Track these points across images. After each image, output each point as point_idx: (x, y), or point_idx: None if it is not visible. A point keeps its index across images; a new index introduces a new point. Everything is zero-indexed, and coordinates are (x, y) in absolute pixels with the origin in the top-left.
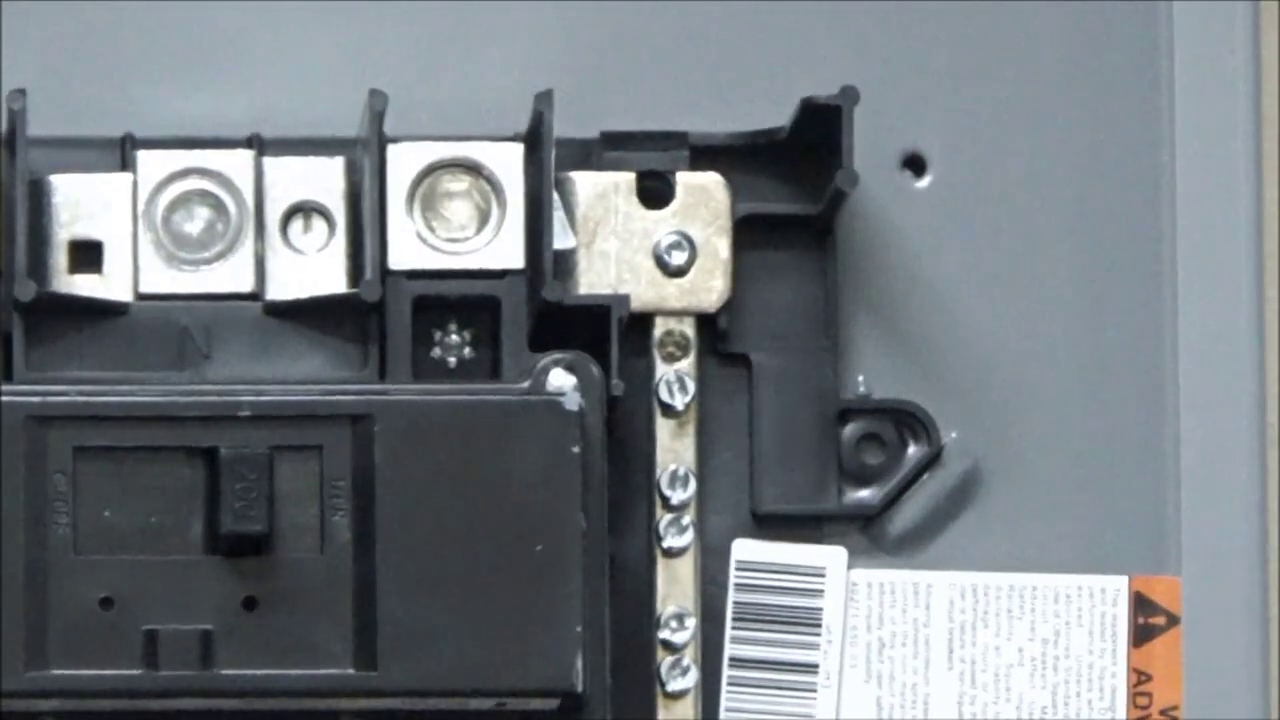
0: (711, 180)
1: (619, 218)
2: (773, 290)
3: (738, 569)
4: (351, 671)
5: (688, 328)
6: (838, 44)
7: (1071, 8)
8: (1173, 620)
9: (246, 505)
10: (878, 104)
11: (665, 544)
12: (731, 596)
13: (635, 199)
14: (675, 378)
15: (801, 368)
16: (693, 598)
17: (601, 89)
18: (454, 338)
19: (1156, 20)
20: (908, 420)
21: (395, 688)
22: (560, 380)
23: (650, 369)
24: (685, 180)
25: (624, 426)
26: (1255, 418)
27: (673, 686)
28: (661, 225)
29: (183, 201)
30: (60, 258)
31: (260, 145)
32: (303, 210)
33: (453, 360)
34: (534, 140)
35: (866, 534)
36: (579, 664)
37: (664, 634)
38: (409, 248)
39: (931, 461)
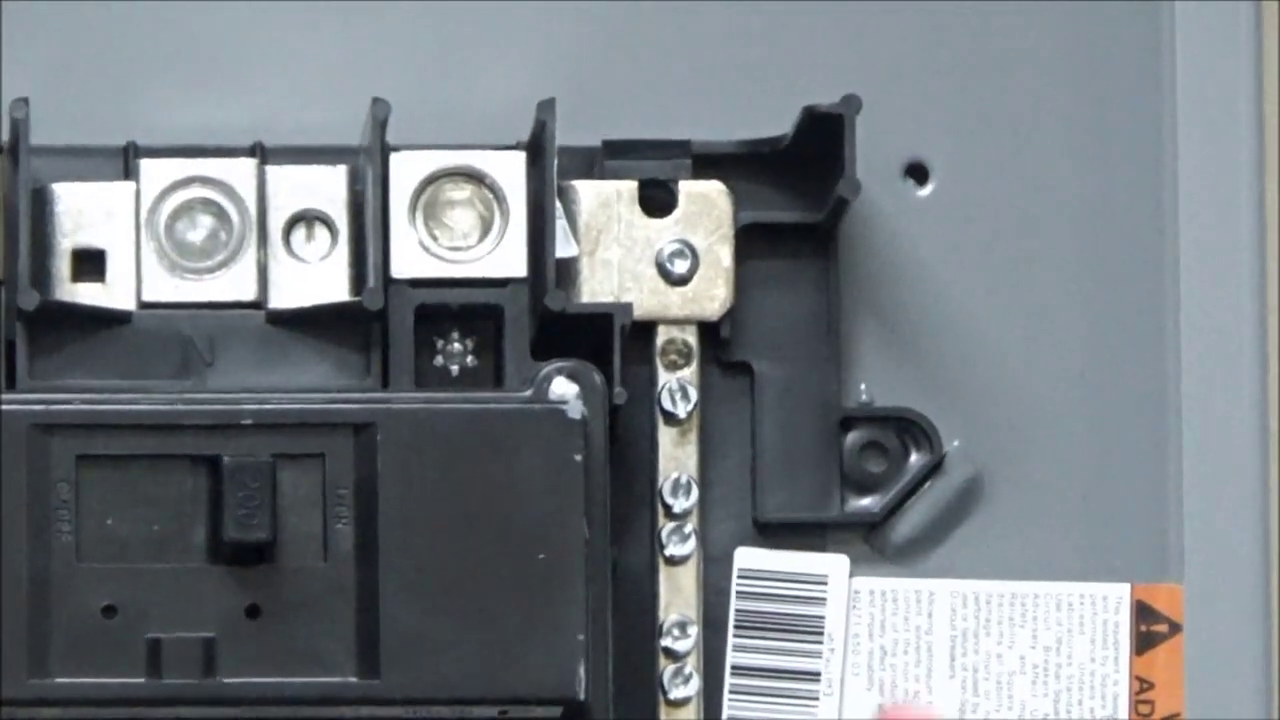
0: (714, 189)
1: (621, 226)
2: (775, 299)
3: (740, 577)
4: (354, 680)
5: (690, 336)
6: (840, 52)
7: (1074, 15)
8: (1175, 628)
9: (249, 514)
10: (880, 112)
11: (668, 552)
12: (734, 604)
13: (638, 207)
14: (677, 386)
15: (804, 376)
16: (695, 606)
17: (604, 97)
18: (456, 346)
19: (1158, 28)
20: (910, 428)
21: (398, 696)
22: (563, 389)
23: (653, 377)
24: (688, 189)
25: (626, 435)
26: (1258, 425)
27: (675, 694)
28: (664, 234)
29: (185, 210)
30: (63, 266)
31: (263, 154)
32: (305, 219)
33: (455, 368)
34: (536, 149)
35: (869, 542)
36: (582, 672)
37: (666, 642)
38: (412, 256)
39: (934, 470)
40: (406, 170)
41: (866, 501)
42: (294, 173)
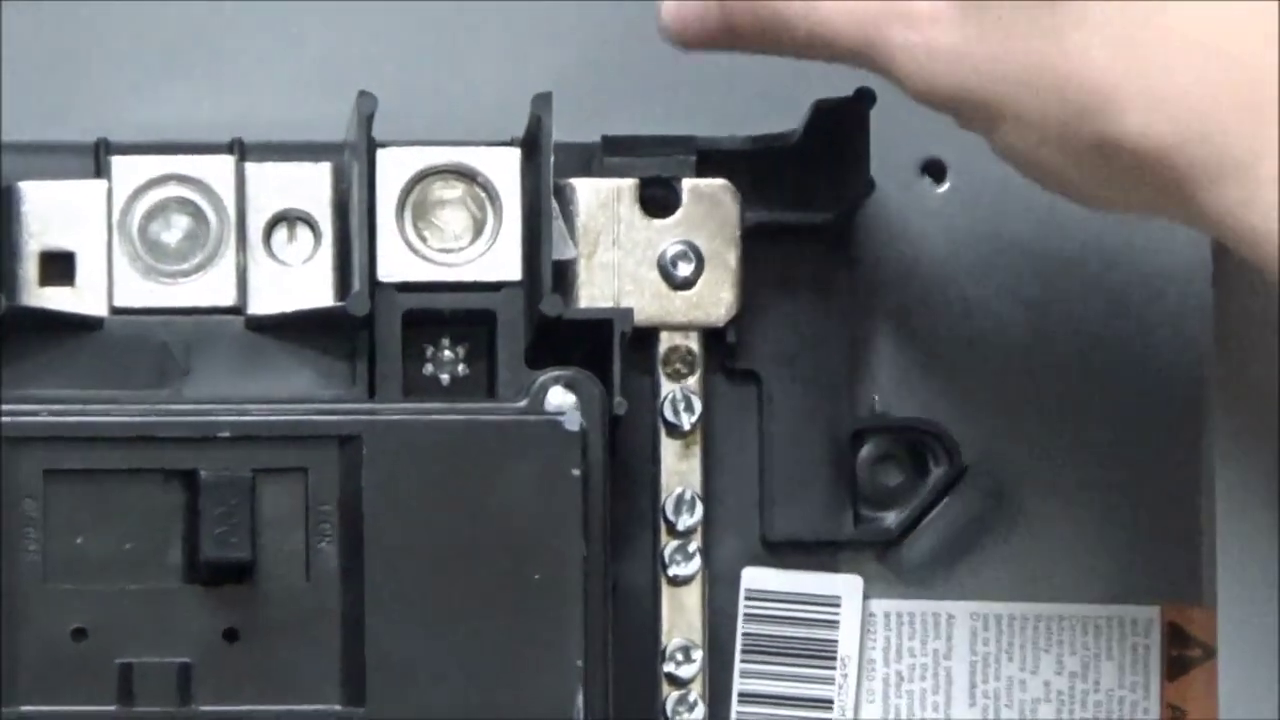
0: (719, 187)
1: (621, 227)
2: (784, 303)
3: (747, 598)
4: (338, 707)
5: (694, 343)
6: None
7: None
8: (1208, 653)
9: (228, 531)
10: (894, 106)
11: (671, 572)
12: (741, 628)
13: (639, 207)
14: (681, 396)
15: (814, 385)
16: (700, 629)
17: (603, 91)
18: (447, 354)
19: None
20: (927, 440)
21: None
22: (559, 399)
23: (655, 387)
24: (691, 187)
25: (627, 447)
26: None
27: None
28: (666, 235)
29: (160, 210)
30: (30, 269)
31: (242, 150)
32: (287, 219)
33: (445, 377)
34: (531, 145)
35: (884, 561)
36: (580, 699)
37: (669, 667)
38: (399, 259)
39: (953, 484)
40: (394, 168)
41: (881, 519)
42: (275, 170)
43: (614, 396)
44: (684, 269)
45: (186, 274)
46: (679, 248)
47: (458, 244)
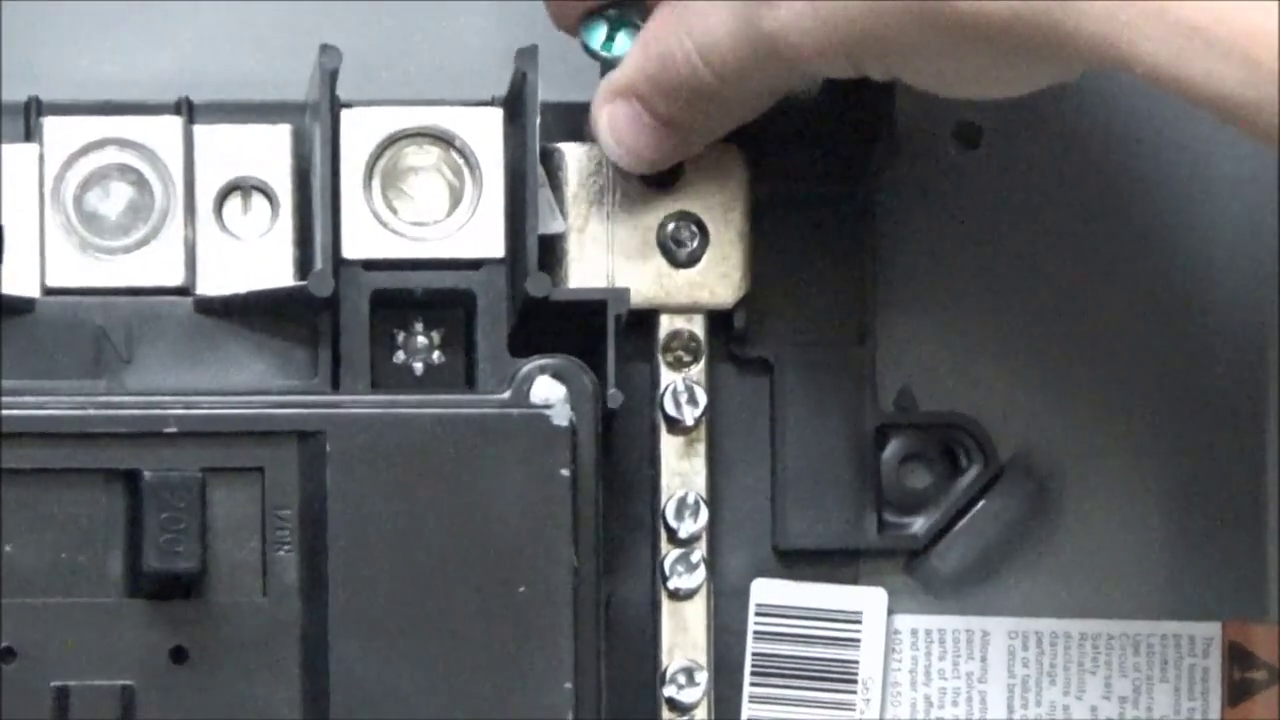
0: (725, 153)
1: (616, 197)
2: (799, 283)
3: (758, 614)
4: None
5: (698, 327)
6: None
7: None
8: (1275, 675)
9: (174, 539)
10: None
11: (672, 585)
12: (750, 647)
13: (635, 176)
14: (683, 387)
15: (833, 375)
16: (704, 648)
17: None
18: (420, 339)
19: None
20: (959, 436)
21: None
22: (546, 390)
23: (654, 377)
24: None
25: (622, 445)
26: None
27: None
28: (666, 206)
29: (98, 178)
30: None
31: (190, 111)
32: (241, 189)
33: (419, 366)
34: (515, 105)
35: (911, 572)
36: None
37: (670, 691)
38: (367, 233)
39: (988, 486)
40: (361, 130)
41: (908, 524)
42: (227, 134)
43: (608, 388)
44: (686, 244)
45: (127, 250)
46: (681, 221)
47: (432, 216)
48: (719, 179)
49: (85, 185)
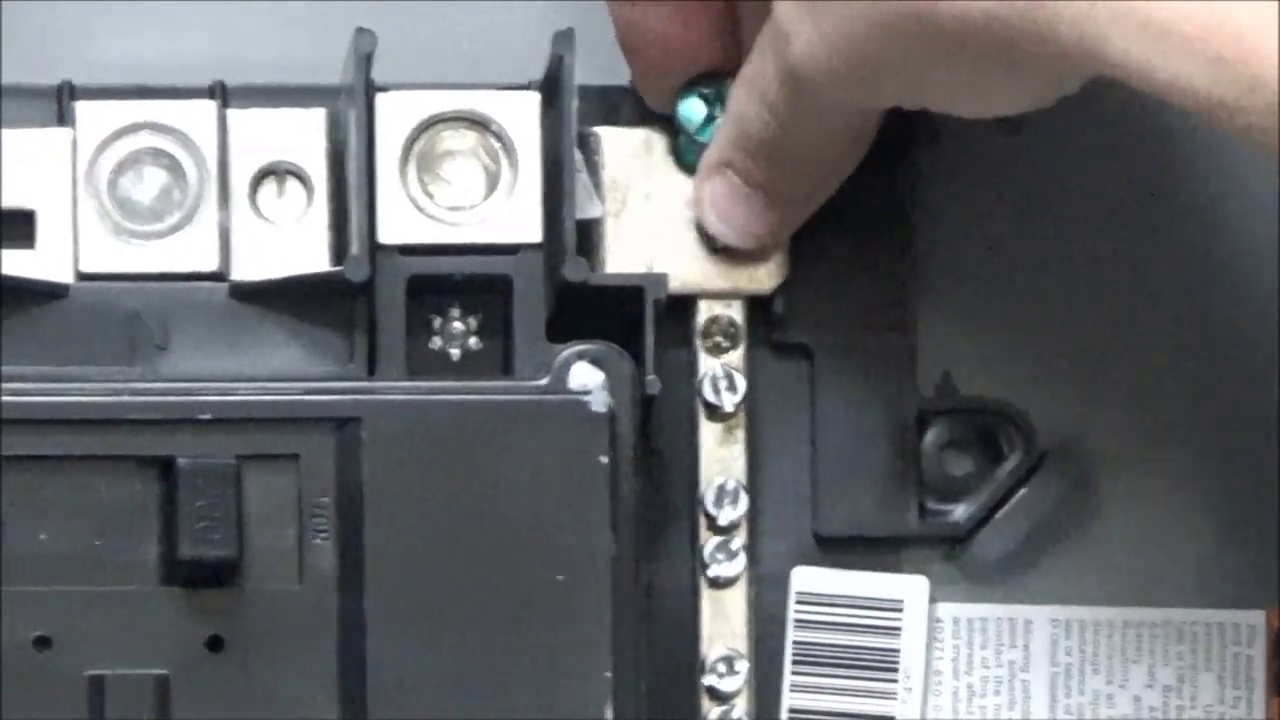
0: None
1: (654, 181)
2: (839, 267)
3: (798, 602)
4: None
5: (736, 313)
6: None
7: None
8: None
9: (209, 526)
10: None
11: (711, 573)
12: (790, 635)
13: (673, 159)
14: (722, 373)
15: (873, 360)
16: (744, 637)
17: None
18: (457, 325)
19: None
20: (1001, 423)
21: None
22: (584, 376)
23: (692, 363)
24: None
25: (661, 432)
26: None
27: None
28: None
29: (132, 162)
30: None
31: (224, 95)
32: (275, 173)
33: (455, 352)
34: (552, 89)
35: (952, 560)
36: (609, 715)
37: (710, 680)
38: (403, 218)
39: (1030, 472)
40: (396, 114)
41: (949, 511)
42: (262, 118)
43: (646, 374)
44: None
45: (161, 235)
46: None
47: (468, 201)
48: None
49: (119, 170)
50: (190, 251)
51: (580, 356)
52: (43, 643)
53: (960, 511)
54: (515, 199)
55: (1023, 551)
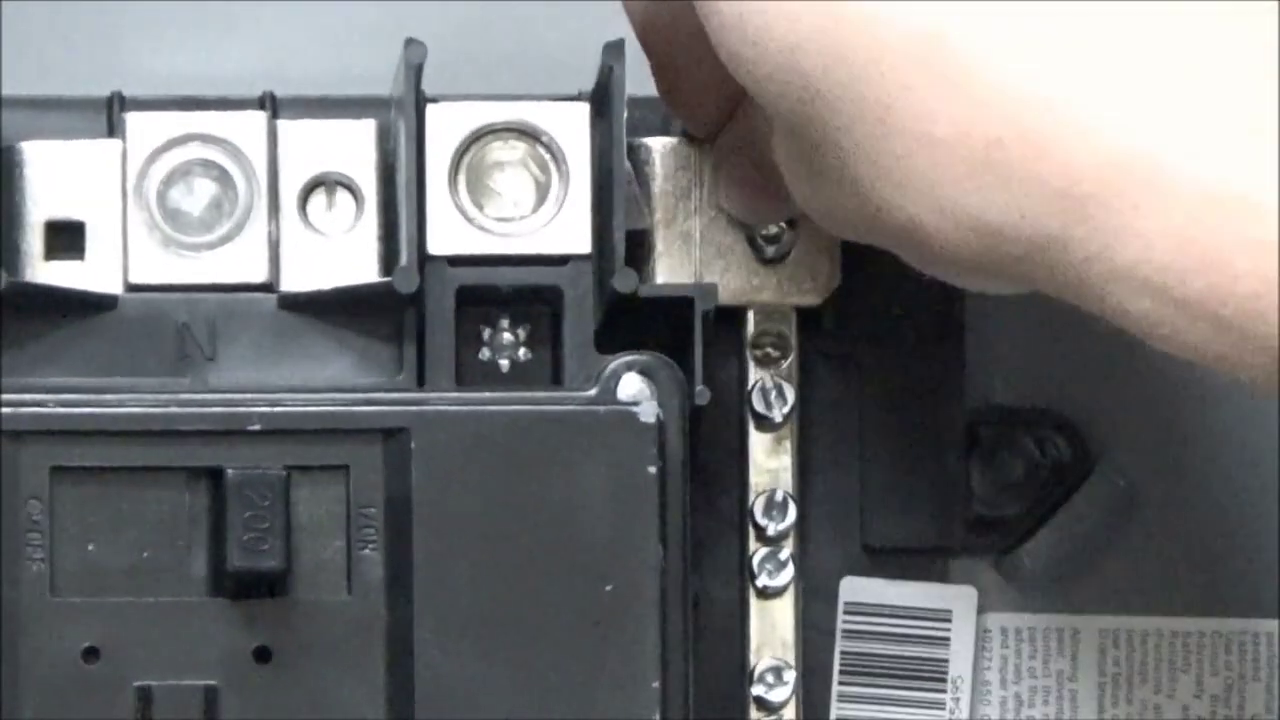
0: None
1: (704, 192)
2: (888, 278)
3: (846, 613)
4: None
5: (786, 324)
6: None
7: None
8: None
9: (258, 537)
10: None
11: (760, 583)
12: (839, 645)
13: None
14: (771, 383)
15: (923, 371)
16: (792, 647)
17: None
18: (506, 336)
19: None
20: (1049, 432)
21: None
22: (634, 387)
23: (742, 373)
24: None
25: (710, 442)
26: None
27: None
28: None
29: (181, 173)
30: (34, 241)
31: (274, 106)
32: (325, 184)
33: (504, 363)
34: (602, 100)
35: (1001, 570)
36: None
37: (758, 690)
38: (452, 229)
39: (1079, 481)
40: (446, 126)
41: (997, 521)
42: (311, 129)
43: (695, 384)
44: (775, 240)
45: (211, 246)
46: None
47: (518, 212)
48: None
49: (168, 181)
50: (239, 262)
51: (629, 367)
52: (91, 654)
53: (1008, 521)
54: (565, 210)
55: (1071, 561)
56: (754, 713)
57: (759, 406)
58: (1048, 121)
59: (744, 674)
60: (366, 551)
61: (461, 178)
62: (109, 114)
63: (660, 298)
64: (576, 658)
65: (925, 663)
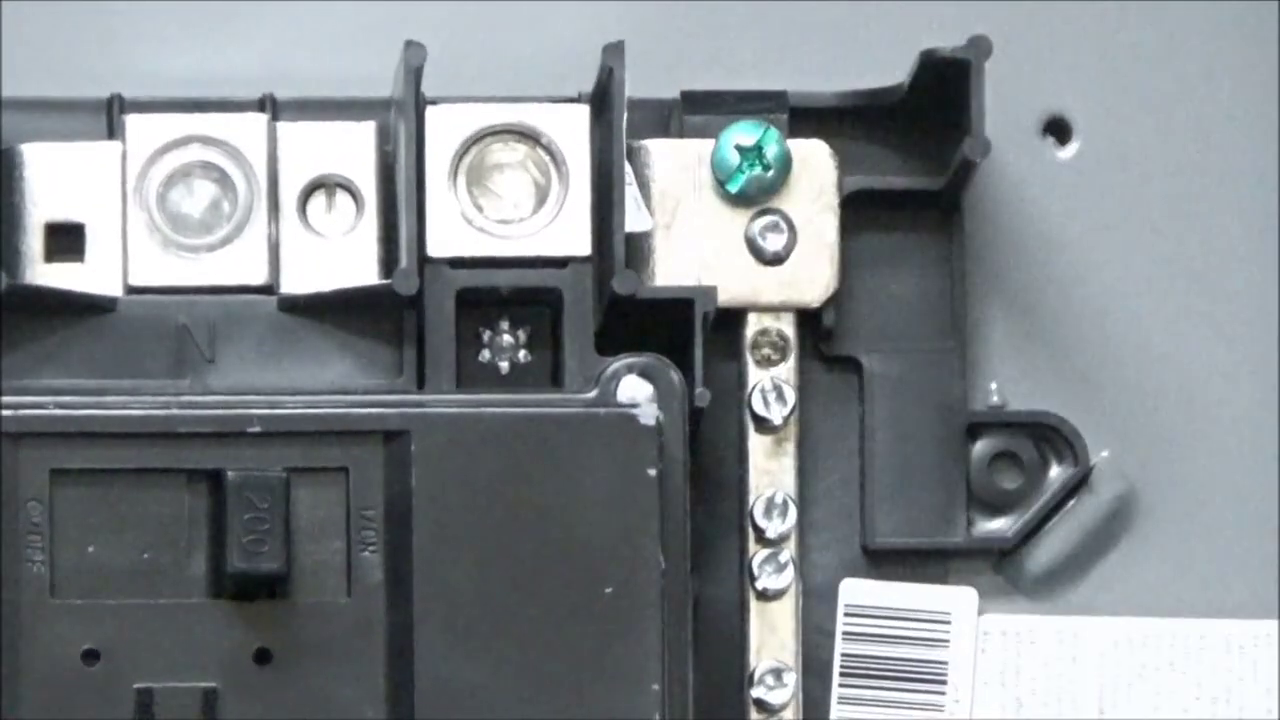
0: (815, 149)
1: (703, 194)
2: (888, 280)
3: (846, 614)
4: None
5: (786, 326)
6: None
7: None
8: None
9: (258, 539)
10: (1013, 58)
11: (760, 585)
12: (839, 647)
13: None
14: (771, 386)
15: (922, 373)
16: (792, 649)
17: (682, 40)
18: (506, 338)
19: None
20: (1049, 436)
21: None
22: (633, 389)
23: (741, 375)
24: None
25: (710, 444)
26: None
27: None
28: (755, 204)
29: (181, 175)
30: (35, 243)
31: (274, 108)
32: (325, 186)
33: (504, 365)
34: (602, 102)
35: (1001, 572)
36: None
37: (759, 692)
38: (452, 231)
39: (1078, 485)
40: (446, 128)
41: (998, 524)
42: (311, 131)
43: (695, 386)
44: (774, 242)
45: (211, 248)
46: (769, 218)
47: (518, 214)
48: (808, 176)
49: (168, 183)
50: (239, 264)
51: (629, 369)
52: (91, 655)
53: (1008, 524)
54: (565, 212)
55: (1071, 563)
56: (754, 714)
57: (759, 408)
58: None
59: (744, 675)
60: (366, 553)
61: (461, 179)
62: (109, 116)
63: (660, 300)
64: (577, 659)
65: (925, 664)
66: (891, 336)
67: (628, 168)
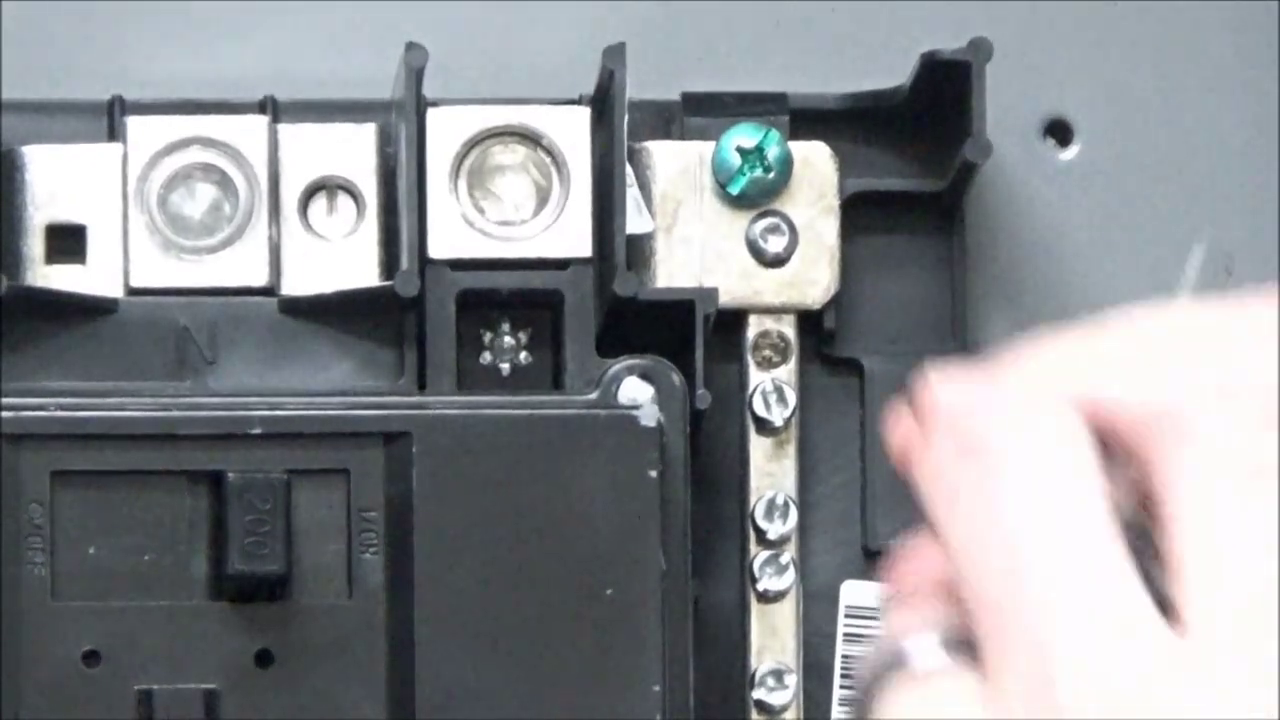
0: (815, 151)
1: (705, 197)
2: (889, 282)
3: (848, 616)
4: None
5: (787, 328)
6: None
7: None
8: None
9: (259, 541)
10: (1014, 59)
11: (761, 587)
12: (840, 649)
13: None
14: (772, 387)
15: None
16: (794, 651)
17: (683, 42)
18: (507, 340)
19: None
20: None
21: None
22: (634, 391)
23: (743, 377)
24: None
25: (711, 446)
26: None
27: None
28: (756, 205)
29: (182, 177)
30: (35, 245)
31: (275, 110)
32: (326, 188)
33: (505, 367)
34: (603, 104)
35: None
36: None
37: (759, 694)
38: (453, 233)
39: None
40: (447, 129)
41: None
42: (312, 133)
43: (696, 388)
44: (775, 244)
45: (212, 250)
46: (770, 220)
47: (519, 216)
48: (808, 178)
49: (169, 185)
50: (240, 266)
51: (630, 371)
52: (92, 657)
53: None
54: (566, 214)
55: None
56: (755, 716)
57: (760, 410)
58: None
59: (745, 678)
60: (367, 555)
61: (462, 181)
62: (110, 118)
63: (661, 301)
64: (578, 661)
65: None
66: (893, 338)
67: (628, 170)
